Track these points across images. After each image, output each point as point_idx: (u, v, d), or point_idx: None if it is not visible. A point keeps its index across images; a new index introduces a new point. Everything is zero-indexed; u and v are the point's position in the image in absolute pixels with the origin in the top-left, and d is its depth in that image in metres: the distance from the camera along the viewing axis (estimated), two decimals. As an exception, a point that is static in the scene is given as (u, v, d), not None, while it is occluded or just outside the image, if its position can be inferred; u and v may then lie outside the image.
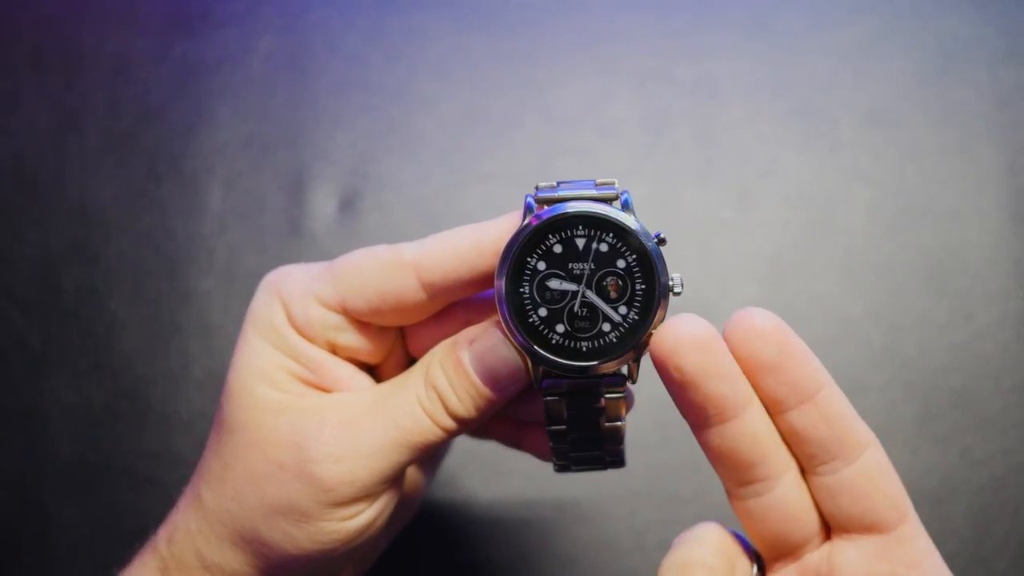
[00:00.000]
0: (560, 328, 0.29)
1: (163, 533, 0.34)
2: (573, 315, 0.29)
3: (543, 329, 0.29)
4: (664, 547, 0.46)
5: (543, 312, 0.29)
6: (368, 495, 0.31)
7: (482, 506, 0.48)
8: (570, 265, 0.29)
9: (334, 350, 0.34)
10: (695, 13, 0.55)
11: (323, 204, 0.52)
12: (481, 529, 0.47)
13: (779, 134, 0.53)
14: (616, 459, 0.34)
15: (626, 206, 0.30)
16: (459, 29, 0.55)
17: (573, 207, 0.29)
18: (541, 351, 0.30)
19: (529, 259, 0.30)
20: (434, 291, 0.32)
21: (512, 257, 0.30)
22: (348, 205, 0.52)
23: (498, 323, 0.31)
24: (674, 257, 0.51)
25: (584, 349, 0.30)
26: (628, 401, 0.32)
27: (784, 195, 0.52)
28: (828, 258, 0.51)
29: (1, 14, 0.55)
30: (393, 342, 0.35)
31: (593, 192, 0.30)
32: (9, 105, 0.54)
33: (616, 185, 0.31)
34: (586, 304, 0.29)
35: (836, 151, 0.53)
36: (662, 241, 0.30)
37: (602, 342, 0.30)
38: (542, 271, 0.29)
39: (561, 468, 0.34)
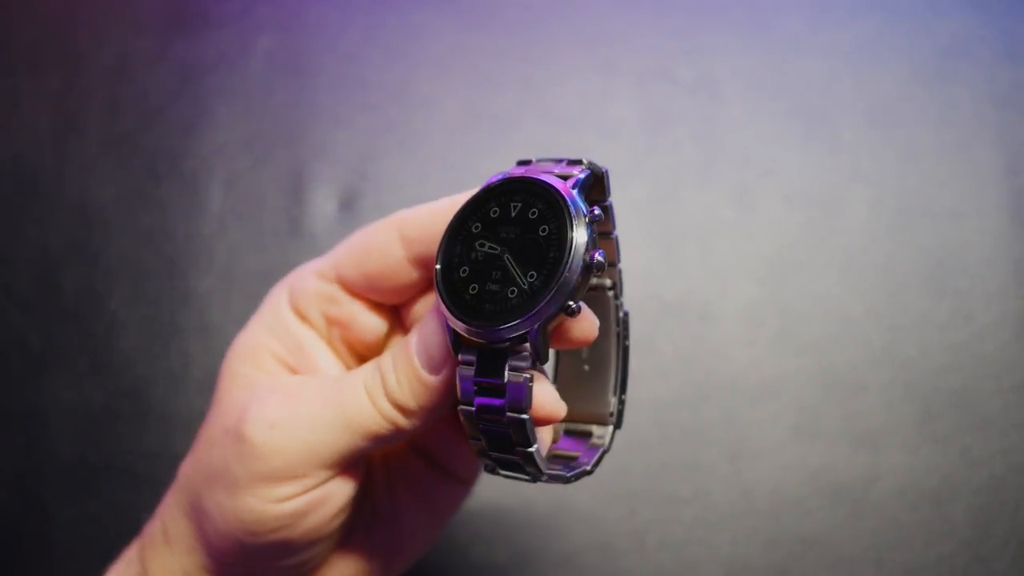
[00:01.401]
0: (473, 288, 0.29)
1: (155, 515, 0.35)
2: (488, 277, 0.29)
3: (460, 288, 0.29)
4: (664, 547, 0.46)
5: (464, 271, 0.29)
6: (299, 475, 0.30)
7: (481, 506, 0.48)
8: (499, 229, 0.29)
9: (331, 325, 0.34)
10: (695, 13, 0.55)
11: (323, 204, 0.52)
12: (480, 529, 0.47)
13: (779, 134, 0.53)
14: (532, 470, 0.31)
15: (579, 184, 0.30)
16: (458, 28, 0.55)
17: (514, 174, 0.30)
18: (451, 307, 0.29)
19: (468, 221, 0.30)
20: (415, 251, 0.32)
21: (456, 217, 0.30)
22: (348, 205, 0.52)
23: (434, 310, 0.30)
24: (674, 257, 0.51)
25: (487, 311, 0.28)
26: (543, 402, 0.30)
27: (784, 195, 0.52)
28: (828, 258, 0.51)
29: (1, 14, 0.55)
30: (388, 325, 0.34)
31: (553, 168, 0.30)
32: (9, 105, 0.54)
33: (583, 164, 0.31)
34: (502, 267, 0.29)
35: (836, 151, 0.53)
36: (596, 219, 0.29)
37: (504, 305, 0.28)
38: (475, 233, 0.29)
39: (489, 468, 0.32)
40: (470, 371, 0.29)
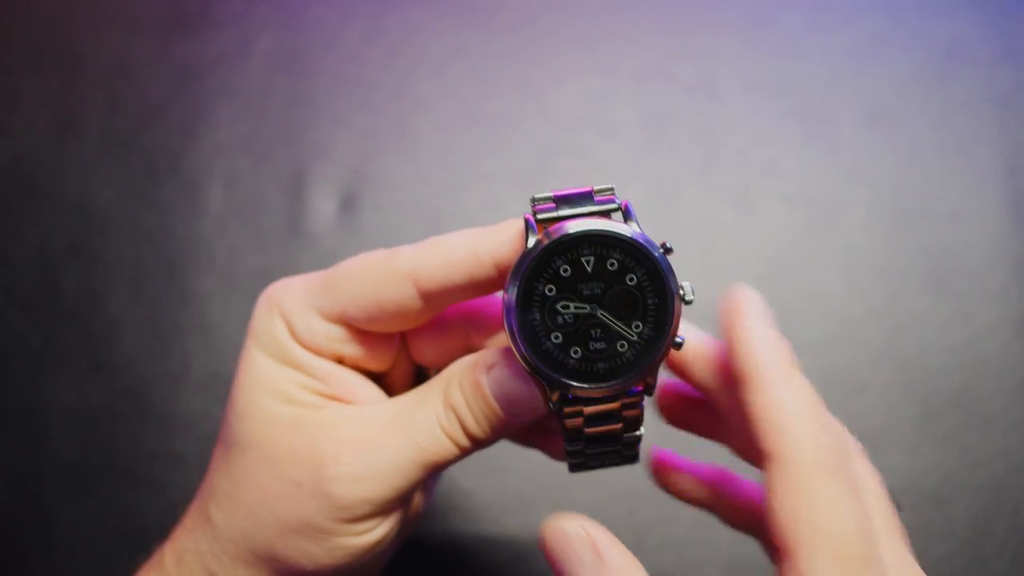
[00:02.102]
0: (576, 352, 0.29)
1: (170, 553, 0.33)
2: (588, 337, 0.29)
3: (558, 355, 0.29)
4: (664, 547, 0.46)
5: (556, 337, 0.29)
6: (385, 511, 0.31)
7: (481, 506, 0.48)
8: (579, 287, 0.29)
9: (340, 361, 0.33)
10: (695, 12, 0.55)
11: (323, 204, 0.52)
12: (480, 529, 0.47)
13: (779, 134, 0.53)
14: (632, 456, 0.34)
15: (628, 216, 0.30)
16: (458, 28, 0.55)
17: (576, 227, 0.29)
18: (558, 377, 0.29)
19: (537, 284, 0.29)
20: (430, 298, 0.31)
21: (520, 285, 0.29)
22: (348, 205, 0.52)
23: (511, 354, 0.30)
24: (674, 257, 0.51)
25: (601, 370, 0.29)
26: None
27: (784, 195, 0.52)
28: (828, 258, 0.51)
29: (1, 14, 0.55)
30: (397, 350, 0.35)
31: (593, 207, 0.30)
32: (9, 105, 0.54)
33: (615, 194, 0.30)
34: (599, 325, 0.29)
35: (836, 151, 0.53)
36: (668, 250, 0.29)
37: (619, 361, 0.29)
38: (552, 296, 0.29)
39: (576, 468, 0.34)
40: (577, 419, 0.30)
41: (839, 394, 0.49)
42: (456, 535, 0.47)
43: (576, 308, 0.29)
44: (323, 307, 0.32)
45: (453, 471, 0.48)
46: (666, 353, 0.29)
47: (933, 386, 0.49)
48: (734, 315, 0.30)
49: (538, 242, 0.29)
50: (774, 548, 0.27)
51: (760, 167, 0.53)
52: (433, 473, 0.32)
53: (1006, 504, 0.47)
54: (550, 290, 0.29)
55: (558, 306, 0.29)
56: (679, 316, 0.29)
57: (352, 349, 0.33)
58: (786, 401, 0.28)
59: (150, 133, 0.53)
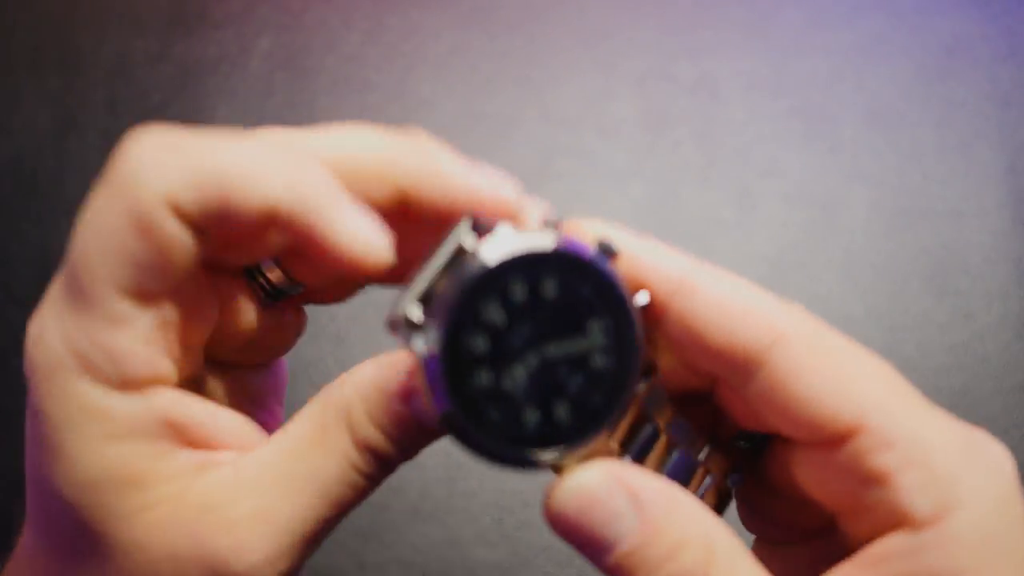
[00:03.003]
0: (532, 416, 0.22)
1: None
2: (546, 392, 0.22)
3: (510, 424, 0.22)
4: (663, 547, 0.46)
5: (504, 408, 0.22)
6: (296, 566, 0.25)
7: (480, 506, 0.48)
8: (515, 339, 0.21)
9: (192, 365, 0.25)
10: (695, 12, 0.55)
11: (323, 204, 0.52)
12: (482, 529, 0.47)
13: (779, 134, 0.53)
14: None
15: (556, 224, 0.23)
16: (457, 28, 0.55)
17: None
18: (509, 451, 0.22)
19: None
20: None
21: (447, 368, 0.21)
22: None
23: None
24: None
25: (565, 426, 0.22)
26: None
27: (784, 195, 0.52)
28: (828, 258, 0.51)
29: (1, 14, 0.55)
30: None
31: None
32: (9, 105, 0.54)
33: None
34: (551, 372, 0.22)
35: (836, 151, 0.53)
36: (612, 252, 0.21)
37: (586, 412, 0.22)
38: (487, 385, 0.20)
39: None
40: None
41: (839, 394, 0.49)
42: (456, 535, 0.47)
43: (524, 368, 0.22)
44: (96, 315, 0.23)
45: (453, 471, 0.48)
46: (638, 371, 0.22)
47: (933, 386, 0.49)
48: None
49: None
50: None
51: (760, 167, 0.53)
52: (347, 512, 0.25)
53: (1006, 504, 0.47)
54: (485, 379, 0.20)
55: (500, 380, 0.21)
56: (641, 320, 0.22)
57: (170, 364, 0.24)
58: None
59: (150, 133, 0.53)
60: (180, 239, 0.22)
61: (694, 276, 0.23)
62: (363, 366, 0.24)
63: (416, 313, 0.21)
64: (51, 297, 0.23)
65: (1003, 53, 0.54)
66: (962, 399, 0.49)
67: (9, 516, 0.50)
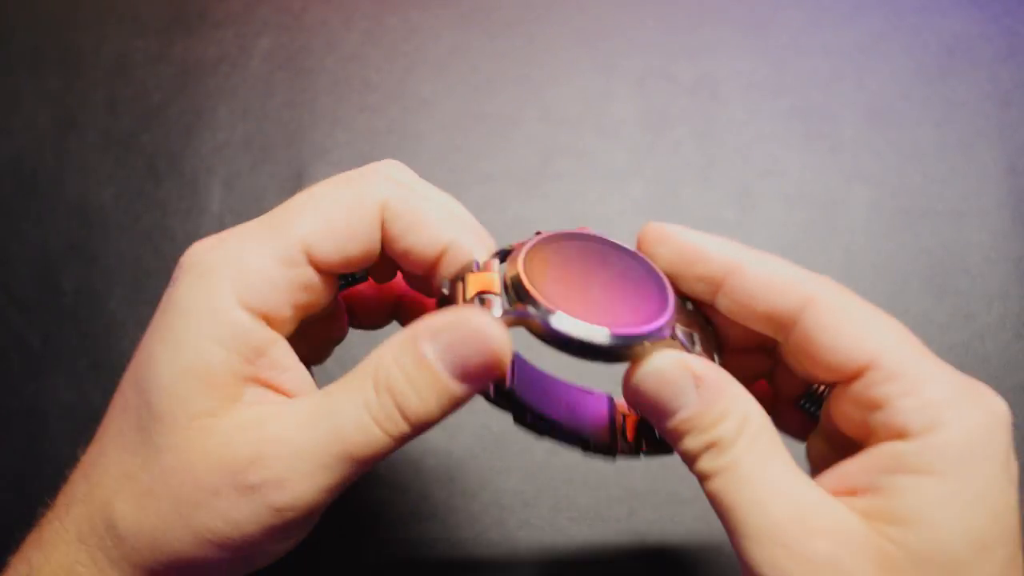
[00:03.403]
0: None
1: (36, 551, 0.30)
2: None
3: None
4: (664, 547, 0.46)
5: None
6: (310, 513, 0.28)
7: (480, 505, 0.47)
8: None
9: (303, 312, 0.30)
10: (695, 11, 0.55)
11: (323, 204, 0.52)
12: (482, 529, 0.47)
13: (779, 134, 0.53)
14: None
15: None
16: (458, 28, 0.55)
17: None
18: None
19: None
20: (395, 247, 0.31)
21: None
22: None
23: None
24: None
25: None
26: None
27: (784, 195, 0.52)
28: (828, 258, 0.51)
29: (1, 14, 0.55)
30: (346, 319, 0.33)
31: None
32: (9, 105, 0.54)
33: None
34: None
35: (837, 150, 0.53)
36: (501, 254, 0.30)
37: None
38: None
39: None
40: None
41: (839, 394, 0.49)
42: (456, 535, 0.47)
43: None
44: (282, 248, 0.28)
45: (453, 472, 0.48)
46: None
47: (933, 386, 0.49)
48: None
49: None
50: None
51: (760, 167, 0.53)
52: (368, 467, 0.28)
53: (1006, 504, 0.47)
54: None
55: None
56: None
57: (315, 297, 0.29)
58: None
59: (150, 133, 0.53)
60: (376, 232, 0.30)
61: (742, 257, 0.30)
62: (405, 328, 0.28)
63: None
64: (241, 228, 0.30)
65: (1003, 53, 0.54)
66: (962, 399, 0.49)
67: (9, 516, 0.50)
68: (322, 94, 0.54)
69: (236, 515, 0.27)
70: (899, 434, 0.27)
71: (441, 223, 0.30)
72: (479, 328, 0.27)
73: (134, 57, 0.54)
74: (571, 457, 0.47)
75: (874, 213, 0.52)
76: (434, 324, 0.27)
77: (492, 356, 0.27)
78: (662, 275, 0.30)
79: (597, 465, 0.47)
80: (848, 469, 0.28)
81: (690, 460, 0.28)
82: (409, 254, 0.30)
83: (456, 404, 0.28)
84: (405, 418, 0.27)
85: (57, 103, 0.54)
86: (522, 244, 0.30)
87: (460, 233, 0.30)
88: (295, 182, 0.52)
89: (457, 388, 0.27)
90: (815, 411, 0.32)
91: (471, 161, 0.53)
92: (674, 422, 0.28)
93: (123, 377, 0.31)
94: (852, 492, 0.27)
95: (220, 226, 0.52)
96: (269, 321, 0.29)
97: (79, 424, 0.49)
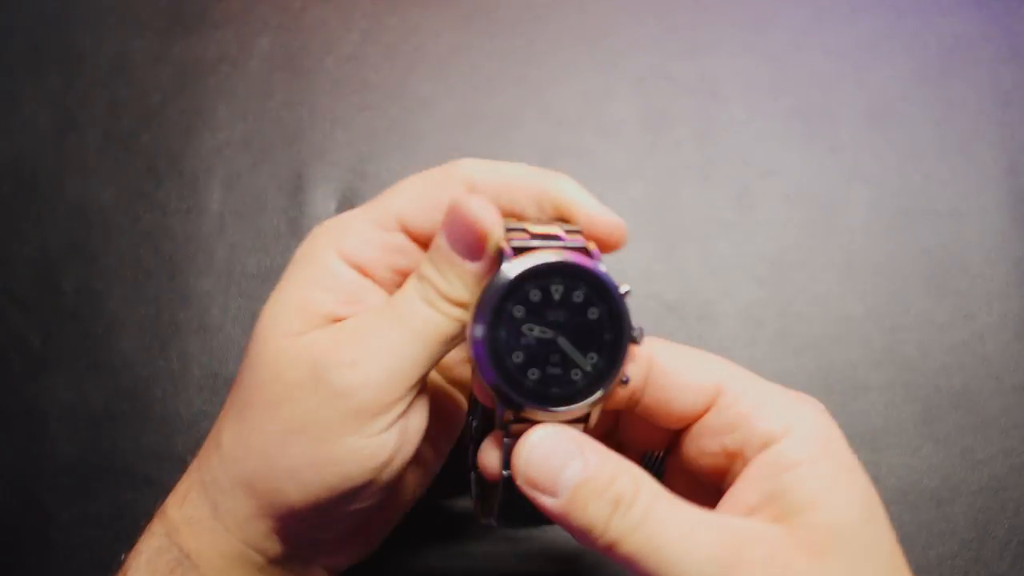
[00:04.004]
0: (533, 374, 0.31)
1: (173, 500, 0.34)
2: (546, 361, 0.31)
3: (517, 374, 0.30)
4: (663, 548, 0.46)
5: (518, 357, 0.30)
6: (390, 402, 0.31)
7: (481, 506, 0.47)
8: (545, 312, 0.31)
9: (398, 276, 0.33)
10: (695, 11, 0.55)
11: (322, 204, 0.52)
12: (482, 529, 0.47)
13: (779, 134, 0.53)
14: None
15: (593, 256, 0.32)
16: (457, 28, 0.55)
17: (552, 257, 0.31)
18: (517, 397, 0.30)
19: (506, 304, 0.30)
20: None
21: (491, 309, 0.30)
22: (348, 205, 0.52)
23: (471, 363, 0.31)
24: (674, 257, 0.51)
25: (555, 395, 0.31)
26: None
27: (784, 195, 0.52)
28: (828, 258, 0.51)
29: (1, 14, 0.55)
30: None
31: (564, 244, 0.32)
32: (9, 105, 0.54)
33: (583, 236, 0.32)
34: (558, 351, 0.31)
35: (837, 150, 0.53)
36: (627, 294, 0.31)
37: (572, 388, 0.31)
38: (518, 317, 0.30)
39: (490, 522, 0.35)
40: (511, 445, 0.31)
41: (839, 394, 0.49)
42: (457, 535, 0.47)
43: (540, 332, 0.31)
44: (378, 218, 0.33)
45: (452, 473, 0.48)
46: (614, 387, 0.31)
47: (933, 386, 0.49)
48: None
49: (512, 267, 0.30)
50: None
51: (760, 167, 0.53)
52: (432, 349, 0.31)
53: (1006, 505, 0.47)
54: (518, 311, 0.30)
55: (523, 327, 0.30)
56: (631, 355, 0.31)
57: (409, 261, 0.33)
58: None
59: (150, 133, 0.53)
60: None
61: None
62: None
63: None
64: (358, 210, 0.34)
65: (1003, 53, 0.54)
66: (962, 399, 0.49)
67: (9, 516, 0.50)
68: (322, 94, 0.54)
69: (314, 405, 0.30)
70: (765, 443, 0.30)
71: (523, 187, 0.33)
72: (463, 202, 0.30)
73: (134, 57, 0.54)
74: (571, 457, 0.47)
75: (874, 213, 0.52)
76: (440, 223, 0.31)
77: (478, 224, 0.30)
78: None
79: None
80: (737, 496, 0.30)
81: (598, 530, 0.29)
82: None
83: (477, 279, 0.31)
84: (445, 298, 0.31)
85: (57, 103, 0.54)
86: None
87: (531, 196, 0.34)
88: (295, 182, 0.52)
89: (469, 264, 0.31)
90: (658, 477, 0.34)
91: (471, 161, 0.53)
92: (571, 491, 0.29)
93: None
94: (752, 511, 0.29)
95: (220, 226, 0.52)
96: (366, 274, 0.33)
97: (79, 424, 0.49)
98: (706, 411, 0.32)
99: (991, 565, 0.47)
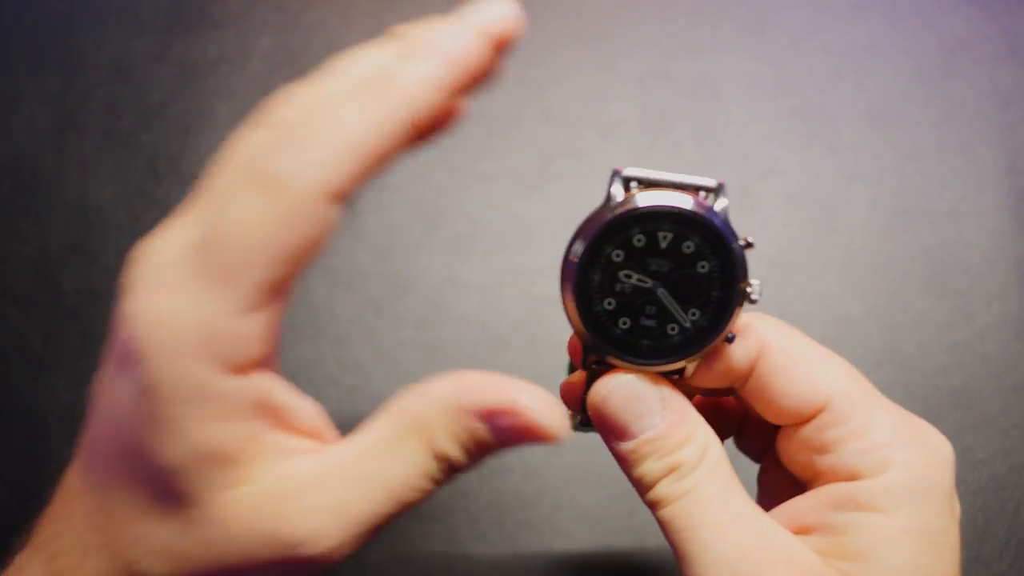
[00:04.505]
0: (624, 323, 0.28)
1: None
2: (640, 312, 0.28)
3: (606, 321, 0.28)
4: (664, 547, 0.46)
5: (609, 304, 0.28)
6: (356, 550, 0.28)
7: (482, 506, 0.47)
8: (648, 260, 0.27)
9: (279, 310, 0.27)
10: (695, 11, 0.55)
11: (323, 204, 0.52)
12: (482, 529, 0.47)
13: (779, 134, 0.53)
14: None
15: (720, 194, 0.29)
16: (459, 29, 0.55)
17: (663, 199, 0.28)
18: (602, 343, 0.28)
19: (605, 246, 0.27)
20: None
21: (590, 244, 0.27)
22: (347, 205, 0.52)
23: (564, 300, 0.28)
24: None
25: (645, 347, 0.28)
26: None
27: (784, 195, 0.52)
28: (828, 258, 0.51)
29: (1, 14, 0.55)
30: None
31: (686, 178, 0.29)
32: (9, 105, 0.54)
33: (714, 183, 0.29)
34: (656, 303, 0.28)
35: (837, 150, 0.53)
36: (749, 245, 0.28)
37: (664, 343, 0.28)
38: (617, 261, 0.27)
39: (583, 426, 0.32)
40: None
41: (839, 394, 0.49)
42: (456, 535, 0.47)
43: (638, 280, 0.28)
44: (233, 302, 0.25)
45: (453, 471, 0.48)
46: (715, 346, 0.29)
47: (933, 386, 0.49)
48: None
49: (620, 203, 0.27)
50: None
51: (760, 167, 0.53)
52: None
53: (1006, 504, 0.47)
54: (617, 255, 0.27)
55: (620, 273, 0.28)
56: (739, 313, 0.29)
57: (271, 349, 0.26)
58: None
59: (150, 133, 0.53)
60: (330, 222, 0.26)
61: None
62: (440, 383, 0.27)
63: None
64: (172, 281, 0.26)
65: (1003, 53, 0.54)
66: (962, 399, 0.49)
67: (9, 516, 0.50)
68: (322, 94, 0.54)
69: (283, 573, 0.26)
70: (849, 477, 0.28)
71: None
72: (534, 420, 0.26)
73: (134, 57, 0.54)
74: (570, 457, 0.47)
75: (874, 213, 0.52)
76: (478, 397, 0.26)
77: (540, 429, 0.26)
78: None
79: (597, 465, 0.47)
80: (798, 507, 0.28)
81: (646, 485, 0.28)
82: None
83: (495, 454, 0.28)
84: (455, 471, 0.28)
85: (57, 103, 0.54)
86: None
87: None
88: (295, 182, 0.52)
89: (502, 448, 0.27)
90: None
91: (470, 160, 0.53)
92: (635, 443, 0.28)
93: (92, 451, 0.29)
94: (804, 530, 0.28)
95: (220, 226, 0.52)
96: (257, 366, 0.26)
97: (79, 424, 0.49)
98: (806, 422, 0.29)
99: (991, 565, 0.47)
